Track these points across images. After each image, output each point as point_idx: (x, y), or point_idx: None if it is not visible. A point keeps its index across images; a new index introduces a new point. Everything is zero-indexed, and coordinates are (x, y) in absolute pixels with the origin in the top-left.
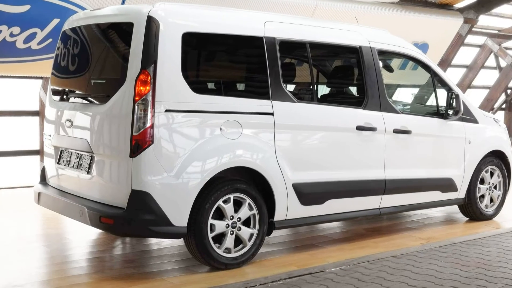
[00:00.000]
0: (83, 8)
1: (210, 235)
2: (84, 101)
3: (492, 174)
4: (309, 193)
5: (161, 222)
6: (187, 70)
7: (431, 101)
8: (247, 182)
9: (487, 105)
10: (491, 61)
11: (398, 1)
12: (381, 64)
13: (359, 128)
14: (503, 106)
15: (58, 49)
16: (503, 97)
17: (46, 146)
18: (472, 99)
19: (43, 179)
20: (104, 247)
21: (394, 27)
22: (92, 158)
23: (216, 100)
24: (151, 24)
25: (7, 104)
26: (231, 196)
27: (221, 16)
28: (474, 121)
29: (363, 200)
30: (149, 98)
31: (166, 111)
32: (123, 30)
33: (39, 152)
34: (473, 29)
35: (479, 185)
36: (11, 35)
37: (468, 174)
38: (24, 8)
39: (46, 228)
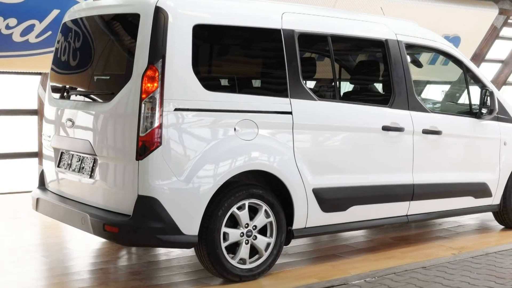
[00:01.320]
0: None
1: (223, 245)
2: (87, 99)
3: None
4: (330, 199)
5: (170, 230)
6: (198, 65)
7: (463, 99)
8: (264, 187)
9: None
10: None
11: None
12: (409, 58)
13: (385, 128)
14: None
15: (58, 42)
16: None
17: (45, 148)
18: (508, 96)
19: (42, 184)
20: (108, 258)
21: (423, 18)
22: (95, 161)
23: (229, 98)
24: (159, 16)
25: (2, 102)
26: (246, 202)
27: (235, 7)
28: (510, 120)
29: (389, 206)
30: (157, 96)
31: (176, 109)
32: (128, 22)
33: (38, 155)
34: (509, 20)
35: None
36: (7, 27)
37: (504, 178)
38: None
39: (45, 237)
